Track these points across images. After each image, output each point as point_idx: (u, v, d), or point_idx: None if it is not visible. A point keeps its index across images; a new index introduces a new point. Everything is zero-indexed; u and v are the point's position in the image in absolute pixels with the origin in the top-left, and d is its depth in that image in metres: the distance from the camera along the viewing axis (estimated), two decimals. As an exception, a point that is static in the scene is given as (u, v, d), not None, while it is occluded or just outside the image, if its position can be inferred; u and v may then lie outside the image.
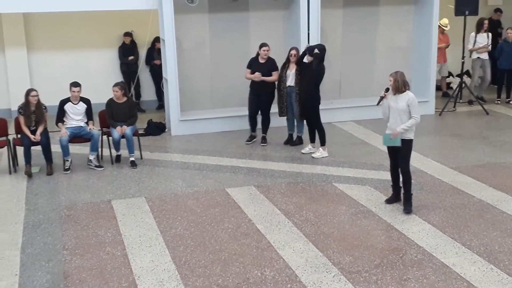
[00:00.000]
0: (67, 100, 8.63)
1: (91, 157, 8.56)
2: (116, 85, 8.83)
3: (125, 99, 8.81)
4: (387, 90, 6.73)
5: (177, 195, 7.46)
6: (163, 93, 11.17)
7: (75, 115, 8.61)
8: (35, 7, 10.20)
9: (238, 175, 8.17)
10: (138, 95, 12.35)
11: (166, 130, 10.65)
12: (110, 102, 8.80)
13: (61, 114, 8.58)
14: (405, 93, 6.54)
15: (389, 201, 6.99)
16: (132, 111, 8.84)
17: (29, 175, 8.13)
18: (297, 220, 6.54)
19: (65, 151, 8.41)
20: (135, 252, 5.81)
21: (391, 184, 6.96)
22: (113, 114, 8.73)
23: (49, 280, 5.27)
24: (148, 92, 12.47)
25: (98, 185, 7.93)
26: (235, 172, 8.30)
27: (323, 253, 5.73)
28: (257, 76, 9.41)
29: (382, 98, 6.77)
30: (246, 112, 10.16)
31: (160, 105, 12.14)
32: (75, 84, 8.65)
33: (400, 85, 6.52)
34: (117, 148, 8.75)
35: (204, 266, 5.48)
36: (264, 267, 5.45)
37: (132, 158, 8.68)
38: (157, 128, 10.62)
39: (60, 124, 8.57)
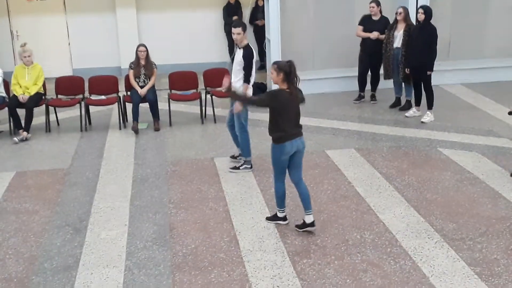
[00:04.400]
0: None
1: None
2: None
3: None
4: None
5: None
6: (265, 53, 11.20)
7: None
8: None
9: (339, 137, 8.10)
10: (240, 55, 12.45)
11: (268, 90, 10.70)
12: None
13: None
14: None
15: None
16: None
17: (136, 131, 8.49)
18: (399, 185, 6.41)
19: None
20: (236, 209, 5.96)
21: None
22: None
23: (156, 231, 5.53)
24: (250, 52, 12.52)
25: (202, 142, 8.16)
26: (335, 134, 8.23)
27: (425, 219, 5.60)
28: (375, 34, 9.20)
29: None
30: (348, 74, 10.03)
31: (262, 65, 12.20)
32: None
33: None
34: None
35: (303, 226, 5.53)
36: (364, 230, 5.42)
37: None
38: (258, 89, 10.65)
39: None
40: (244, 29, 6.82)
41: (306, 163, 7.08)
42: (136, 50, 8.71)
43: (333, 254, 5.01)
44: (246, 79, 6.80)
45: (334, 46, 10.53)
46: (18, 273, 4.86)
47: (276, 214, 5.62)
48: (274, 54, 10.22)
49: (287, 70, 5.22)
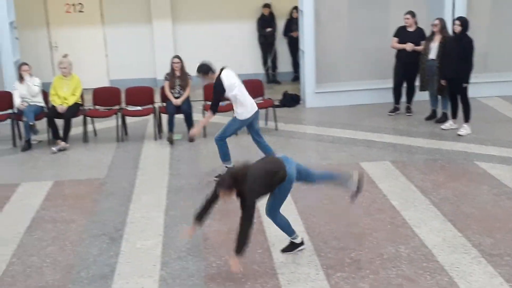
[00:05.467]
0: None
1: None
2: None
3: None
4: None
5: (310, 167, 7.48)
6: (299, 64, 11.22)
7: None
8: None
9: (373, 150, 8.04)
10: (274, 66, 12.51)
11: (301, 102, 10.71)
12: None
13: None
14: None
15: None
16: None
17: (171, 142, 8.57)
18: (435, 198, 6.33)
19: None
20: (270, 220, 5.91)
21: None
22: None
23: (190, 241, 5.55)
24: (284, 64, 12.57)
25: (235, 153, 8.17)
26: (369, 146, 8.18)
27: (462, 233, 5.51)
28: (409, 46, 9.15)
29: None
30: (382, 85, 9.98)
31: (296, 76, 12.21)
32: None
33: None
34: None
35: (337, 239, 5.50)
36: (399, 244, 5.35)
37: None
38: (292, 100, 10.71)
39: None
40: (206, 72, 7.00)
41: (340, 176, 7.06)
42: (171, 62, 8.83)
43: (368, 268, 4.96)
44: (212, 108, 6.96)
45: (369, 58, 10.49)
46: (55, 281, 4.94)
47: (291, 242, 5.31)
48: (308, 65, 10.24)
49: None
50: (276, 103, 10.10)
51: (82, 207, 6.46)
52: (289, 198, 6.39)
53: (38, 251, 5.48)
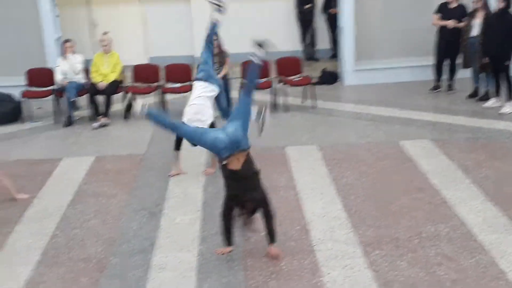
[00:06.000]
0: None
1: None
2: None
3: None
4: None
5: (348, 145, 7.47)
6: (337, 42, 11.10)
7: None
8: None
9: (412, 128, 7.94)
10: (313, 43, 12.40)
11: (339, 79, 10.62)
12: None
13: None
14: None
15: None
16: None
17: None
18: (476, 177, 6.22)
19: None
20: (307, 198, 5.96)
21: None
22: None
23: (228, 217, 5.61)
24: (323, 41, 12.45)
25: (273, 131, 8.18)
26: (408, 125, 8.07)
27: (503, 213, 5.41)
28: (450, 23, 8.97)
29: None
30: (423, 63, 9.81)
31: (334, 54, 12.09)
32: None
33: None
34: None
35: (375, 217, 5.47)
36: (438, 223, 5.30)
37: None
38: (331, 77, 10.63)
39: None
40: None
41: (378, 153, 7.03)
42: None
43: (406, 247, 4.93)
44: None
45: (409, 34, 10.30)
46: (97, 254, 5.06)
47: None
48: (347, 42, 10.13)
49: None
50: (315, 80, 10.03)
51: (123, 182, 6.58)
52: (327, 177, 6.43)
53: (80, 224, 5.61)
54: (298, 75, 9.38)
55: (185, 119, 6.30)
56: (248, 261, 4.83)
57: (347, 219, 5.46)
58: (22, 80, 9.27)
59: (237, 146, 4.68)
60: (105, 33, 9.10)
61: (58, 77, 8.85)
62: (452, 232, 5.13)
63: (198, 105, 6.39)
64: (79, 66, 8.85)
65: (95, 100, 8.78)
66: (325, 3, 12.05)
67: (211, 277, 4.64)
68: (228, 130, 4.75)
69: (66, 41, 8.98)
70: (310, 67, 11.30)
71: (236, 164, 4.70)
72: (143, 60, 11.81)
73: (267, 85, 9.10)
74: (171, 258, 4.95)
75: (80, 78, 8.88)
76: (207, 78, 6.52)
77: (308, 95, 9.30)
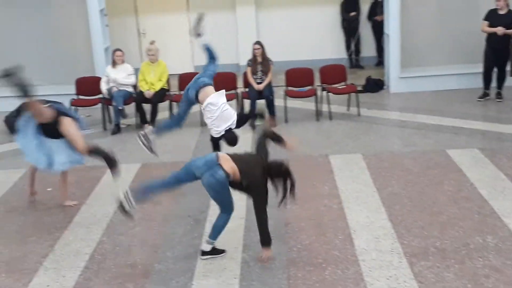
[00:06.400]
0: None
1: None
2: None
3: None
4: None
5: (393, 153, 7.38)
6: (383, 49, 11.00)
7: None
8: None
9: (460, 136, 7.79)
10: (357, 51, 12.32)
11: (385, 87, 10.51)
12: None
13: None
14: None
15: None
16: None
17: (253, 127, 8.66)
18: (526, 188, 6.06)
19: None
20: (351, 207, 5.91)
21: None
22: None
23: (272, 225, 5.56)
24: (367, 48, 12.35)
25: (316, 139, 8.17)
26: (456, 133, 7.92)
27: (555, 225, 5.26)
28: (501, 30, 8.78)
29: None
30: (472, 70, 9.62)
31: (380, 61, 11.97)
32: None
33: None
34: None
35: (421, 227, 5.38)
36: (486, 234, 5.17)
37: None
38: (376, 85, 10.53)
39: None
40: None
41: (424, 162, 6.92)
42: (252, 48, 8.91)
43: (453, 258, 4.83)
44: None
45: (457, 42, 10.13)
46: (142, 260, 5.14)
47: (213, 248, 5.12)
48: (393, 49, 10.02)
49: None
50: (359, 88, 9.96)
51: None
52: (371, 185, 6.36)
53: (126, 231, 5.71)
54: (342, 83, 9.33)
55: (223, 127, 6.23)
56: (291, 270, 4.82)
57: (392, 228, 5.39)
58: (72, 89, 9.52)
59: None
60: (152, 43, 9.26)
61: (103, 87, 9.04)
62: (501, 244, 5.00)
63: (229, 109, 6.31)
64: (128, 76, 9.02)
65: (142, 108, 8.93)
66: (370, 10, 11.96)
67: (254, 285, 4.65)
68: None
69: (116, 50, 9.17)
70: (355, 75, 11.23)
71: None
72: (189, 69, 11.96)
73: (311, 93, 9.08)
74: (216, 265, 4.98)
75: (128, 87, 9.05)
76: (211, 79, 6.42)
77: (353, 103, 9.23)
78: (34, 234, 5.28)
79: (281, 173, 4.78)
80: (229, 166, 4.84)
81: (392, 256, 4.93)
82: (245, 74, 9.10)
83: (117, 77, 8.97)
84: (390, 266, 4.78)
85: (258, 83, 8.83)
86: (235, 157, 4.94)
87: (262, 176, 4.80)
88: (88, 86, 9.46)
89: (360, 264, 4.84)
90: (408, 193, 6.14)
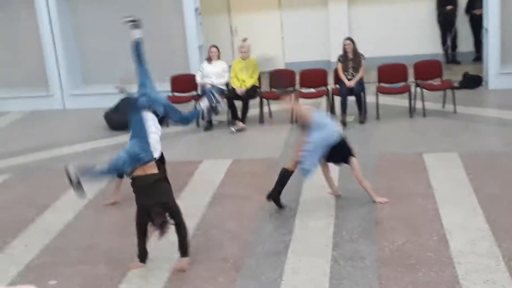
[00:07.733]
0: None
1: None
2: None
3: None
4: None
5: (492, 153, 7.07)
6: (481, 44, 10.55)
7: None
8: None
9: None
10: (454, 46, 11.88)
11: (483, 83, 10.08)
12: None
13: None
14: None
15: None
16: None
17: (344, 123, 8.57)
18: None
19: None
20: (446, 207, 5.72)
21: None
22: None
23: (361, 224, 5.55)
24: (465, 43, 11.88)
25: (410, 137, 7.97)
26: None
27: None
28: None
29: None
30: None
31: (477, 56, 11.48)
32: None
33: None
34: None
35: (522, 230, 5.14)
36: None
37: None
38: (473, 81, 10.12)
39: None
40: None
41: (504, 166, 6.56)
42: (343, 44, 8.83)
43: (557, 264, 4.58)
44: None
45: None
46: (234, 255, 5.23)
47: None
48: (493, 44, 9.60)
49: None
50: (456, 84, 9.60)
51: (258, 185, 6.72)
52: (468, 186, 6.13)
53: (218, 225, 5.83)
54: (437, 79, 9.04)
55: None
56: (383, 270, 4.74)
57: (489, 231, 5.18)
58: (167, 86, 9.82)
59: (138, 159, 4.88)
60: (244, 40, 9.39)
61: (198, 79, 9.26)
62: None
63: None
64: (223, 72, 9.19)
65: (233, 105, 9.08)
66: (468, 4, 11.49)
67: (345, 284, 4.61)
68: (126, 147, 5.02)
69: (212, 46, 9.37)
70: (451, 71, 10.84)
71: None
72: (280, 66, 12.01)
73: (404, 90, 8.87)
74: (305, 262, 4.99)
75: (222, 84, 9.22)
76: (151, 104, 5.58)
77: (448, 100, 8.92)
78: (131, 227, 5.50)
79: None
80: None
81: (490, 259, 4.73)
82: (335, 71, 9.02)
83: (211, 72, 9.12)
84: (487, 269, 4.59)
85: (349, 79, 8.73)
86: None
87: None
88: (182, 83, 9.73)
89: (456, 267, 4.68)
90: (507, 195, 5.87)
